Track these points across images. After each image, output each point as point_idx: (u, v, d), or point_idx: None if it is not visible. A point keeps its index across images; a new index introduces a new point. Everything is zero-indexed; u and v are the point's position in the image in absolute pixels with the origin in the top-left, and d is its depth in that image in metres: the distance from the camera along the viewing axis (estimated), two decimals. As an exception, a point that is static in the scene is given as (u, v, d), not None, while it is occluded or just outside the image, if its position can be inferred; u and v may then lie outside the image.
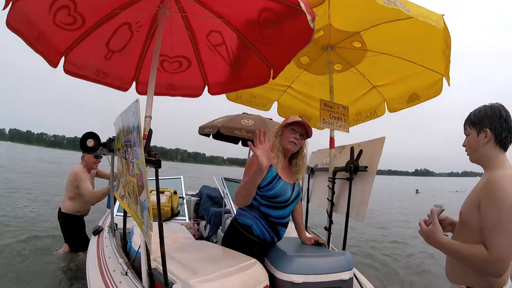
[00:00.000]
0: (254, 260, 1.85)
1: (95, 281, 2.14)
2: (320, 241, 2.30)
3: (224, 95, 3.47)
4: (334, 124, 2.82)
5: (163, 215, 3.35)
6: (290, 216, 2.29)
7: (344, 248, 2.46)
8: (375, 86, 3.51)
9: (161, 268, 1.73)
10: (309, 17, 1.85)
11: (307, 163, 2.29)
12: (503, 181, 1.34)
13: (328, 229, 2.61)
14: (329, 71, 3.04)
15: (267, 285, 1.78)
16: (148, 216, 1.56)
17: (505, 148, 1.49)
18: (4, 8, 1.86)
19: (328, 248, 2.54)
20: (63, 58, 2.64)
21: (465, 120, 1.60)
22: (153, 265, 1.88)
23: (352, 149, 2.49)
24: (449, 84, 2.77)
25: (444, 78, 2.80)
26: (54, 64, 2.58)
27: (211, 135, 5.09)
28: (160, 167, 1.80)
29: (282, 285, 1.83)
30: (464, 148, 1.62)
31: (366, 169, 2.35)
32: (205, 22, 2.71)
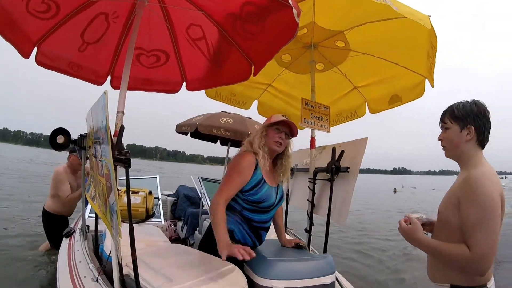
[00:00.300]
0: (232, 265, 1.75)
1: (65, 286, 2.01)
2: (301, 244, 2.23)
3: (203, 92, 3.36)
4: (316, 123, 2.77)
5: (137, 217, 3.21)
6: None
7: (325, 251, 2.41)
8: (356, 87, 3.49)
9: (133, 274, 1.60)
10: (295, 11, 1.77)
11: (292, 163, 2.22)
12: (483, 179, 1.34)
13: (309, 231, 2.55)
14: (311, 70, 2.99)
15: None
16: (117, 220, 1.43)
17: (483, 147, 1.50)
18: None
19: (309, 251, 2.48)
20: (35, 48, 2.47)
21: (446, 112, 1.56)
22: (125, 271, 1.74)
23: (333, 149, 2.44)
24: (432, 86, 2.77)
25: (427, 80, 2.80)
26: (26, 55, 2.42)
27: (189, 134, 4.96)
28: (130, 166, 1.66)
29: None
30: (440, 142, 1.60)
31: (348, 170, 2.30)
32: (185, 15, 2.58)
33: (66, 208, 4.08)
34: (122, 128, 1.93)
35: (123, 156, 1.65)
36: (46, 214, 4.08)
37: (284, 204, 3.25)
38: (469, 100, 1.53)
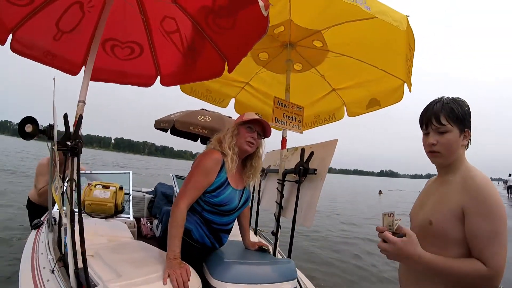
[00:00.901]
0: (185, 265, 1.69)
1: (24, 278, 1.96)
2: (264, 247, 2.17)
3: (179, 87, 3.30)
4: (287, 124, 2.72)
5: (106, 211, 3.14)
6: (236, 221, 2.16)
7: (289, 256, 2.35)
8: (335, 89, 3.46)
9: (90, 268, 1.62)
10: (261, 3, 1.70)
11: (262, 164, 2.14)
12: (489, 185, 1.22)
13: (275, 234, 2.50)
14: (287, 69, 2.93)
15: None
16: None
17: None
18: None
19: (274, 254, 2.42)
20: (10, 35, 2.40)
21: (440, 112, 1.32)
22: (81, 264, 1.70)
23: (302, 150, 2.39)
24: (410, 90, 2.73)
25: (405, 84, 2.77)
26: (1, 42, 2.36)
27: (168, 131, 4.87)
28: (77, 155, 1.64)
29: None
30: (431, 146, 1.35)
31: (315, 172, 2.25)
32: (160, 7, 2.52)
33: (45, 198, 4.02)
34: (80, 117, 1.88)
35: (72, 144, 1.64)
36: (29, 203, 4.18)
37: (255, 205, 3.21)
38: (453, 97, 1.35)
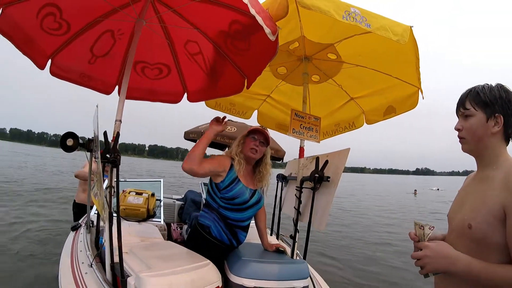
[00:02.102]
0: (208, 261, 1.92)
1: (65, 271, 2.26)
2: (280, 248, 2.36)
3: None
4: (305, 134, 2.88)
5: (139, 216, 3.45)
6: (253, 221, 2.37)
7: (305, 257, 2.50)
8: (353, 98, 3.56)
9: (123, 261, 1.87)
10: (267, 30, 1.90)
11: (270, 170, 2.41)
12: None
13: (293, 237, 2.66)
14: (304, 82, 3.10)
15: (218, 286, 1.84)
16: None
17: (508, 143, 1.23)
18: None
19: (292, 256, 2.58)
20: (49, 61, 2.75)
21: (466, 96, 1.26)
22: (116, 259, 1.96)
23: (317, 159, 2.53)
24: (423, 97, 2.81)
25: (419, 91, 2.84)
26: (41, 66, 2.69)
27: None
28: (115, 166, 1.96)
29: None
30: (458, 132, 1.28)
31: (328, 179, 2.39)
32: (183, 32, 2.80)
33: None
34: (117, 135, 2.20)
35: (112, 157, 1.96)
36: (77, 206, 4.72)
37: (277, 210, 3.39)
38: (490, 83, 1.25)
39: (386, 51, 2.76)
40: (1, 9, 2.11)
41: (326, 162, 2.50)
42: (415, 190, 32.64)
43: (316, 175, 2.46)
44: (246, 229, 2.31)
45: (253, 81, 2.68)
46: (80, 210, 4.65)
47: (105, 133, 2.09)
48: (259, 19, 1.84)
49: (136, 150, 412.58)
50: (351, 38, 2.75)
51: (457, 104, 1.30)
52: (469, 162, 1.39)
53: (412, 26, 2.16)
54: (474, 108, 1.21)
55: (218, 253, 2.16)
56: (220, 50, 2.75)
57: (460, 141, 1.28)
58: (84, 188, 4.68)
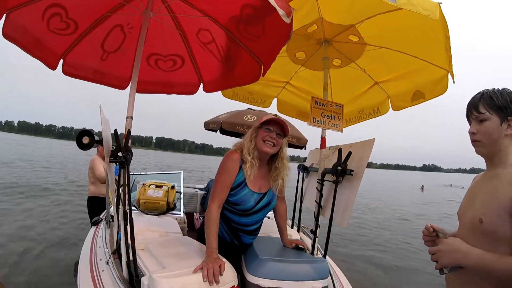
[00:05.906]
0: (223, 260, 1.82)
1: (83, 268, 2.28)
2: (300, 246, 2.23)
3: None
4: (326, 123, 2.71)
5: (159, 209, 3.44)
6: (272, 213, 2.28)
7: (325, 255, 2.36)
8: (377, 82, 3.34)
9: (139, 260, 1.87)
10: (281, 12, 1.73)
11: (288, 164, 2.16)
12: None
13: (314, 232, 2.53)
14: (325, 67, 2.91)
15: (234, 285, 1.75)
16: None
17: None
18: None
19: (313, 253, 2.45)
20: (61, 60, 2.74)
21: (479, 101, 1.30)
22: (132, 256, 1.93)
23: (339, 150, 2.36)
24: (453, 81, 2.56)
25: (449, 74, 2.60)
26: (52, 67, 2.69)
27: (218, 131, 5.10)
28: (123, 167, 1.86)
29: None
30: (472, 135, 1.33)
31: (352, 173, 2.23)
32: (194, 21, 2.70)
33: (101, 184, 4.76)
34: (129, 132, 2.10)
35: (123, 156, 1.88)
36: (90, 199, 4.82)
37: (298, 203, 3.25)
38: (497, 88, 1.31)
39: (413, 31, 2.55)
40: (5, 14, 2.07)
41: (349, 153, 2.33)
42: (422, 186, 33.36)
43: (339, 167, 2.30)
44: (252, 233, 2.10)
45: (268, 68, 2.54)
46: (92, 203, 4.78)
47: (115, 131, 2.02)
48: (271, 0, 1.69)
49: (144, 142, 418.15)
50: (374, 18, 2.53)
51: (469, 108, 1.35)
52: (477, 160, 1.41)
53: (441, 3, 1.93)
54: (489, 112, 1.27)
55: (222, 250, 2.02)
56: (233, 37, 2.61)
57: (474, 144, 1.33)
58: (92, 181, 4.82)
